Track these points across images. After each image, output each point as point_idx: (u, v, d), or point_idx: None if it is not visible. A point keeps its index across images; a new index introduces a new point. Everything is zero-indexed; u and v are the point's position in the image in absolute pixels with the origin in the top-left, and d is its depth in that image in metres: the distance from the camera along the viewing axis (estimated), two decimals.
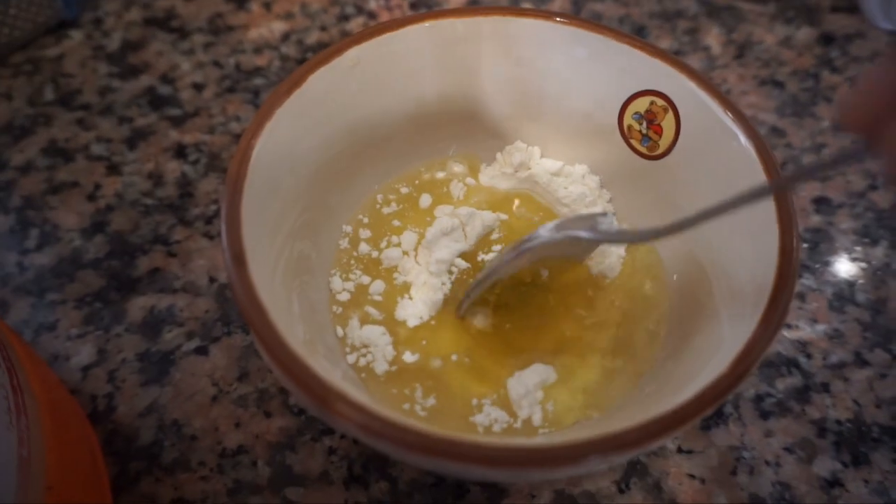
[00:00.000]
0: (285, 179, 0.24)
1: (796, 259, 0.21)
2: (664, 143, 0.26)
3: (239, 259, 0.20)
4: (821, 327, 0.30)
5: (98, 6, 0.42)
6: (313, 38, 0.42)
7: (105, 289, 0.30)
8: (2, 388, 0.18)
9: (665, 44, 0.42)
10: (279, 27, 0.42)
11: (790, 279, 0.20)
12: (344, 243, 0.28)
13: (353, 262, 0.28)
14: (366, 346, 0.25)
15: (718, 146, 0.24)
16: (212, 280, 0.31)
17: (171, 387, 0.28)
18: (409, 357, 0.25)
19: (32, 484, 0.18)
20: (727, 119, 0.24)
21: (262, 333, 0.19)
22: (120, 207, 0.33)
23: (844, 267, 0.32)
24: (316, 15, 0.43)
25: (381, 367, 0.25)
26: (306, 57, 0.40)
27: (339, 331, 0.26)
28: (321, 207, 0.27)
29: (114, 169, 0.35)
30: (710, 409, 0.18)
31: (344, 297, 0.27)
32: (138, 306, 0.30)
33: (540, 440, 0.18)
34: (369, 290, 0.27)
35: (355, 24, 0.43)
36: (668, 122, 0.26)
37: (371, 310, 0.27)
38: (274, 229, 0.23)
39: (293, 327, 0.21)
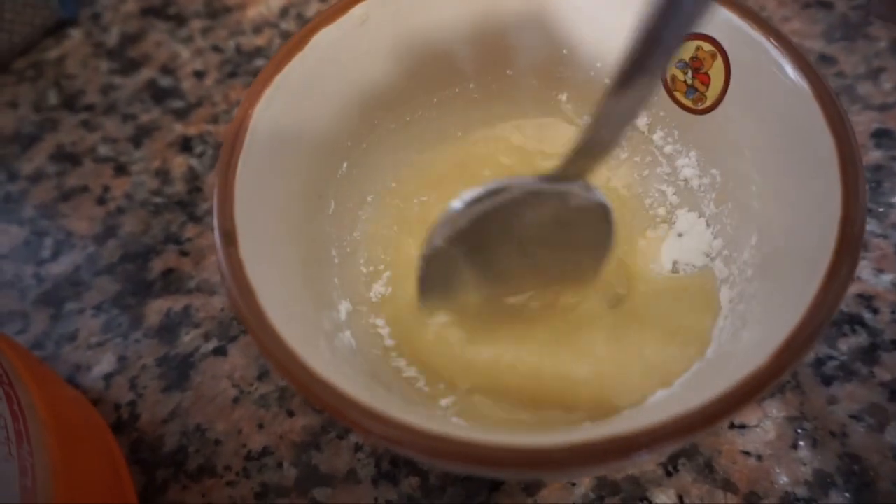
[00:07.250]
0: (288, 153, 0.22)
1: (862, 203, 0.18)
2: (712, 94, 0.23)
3: (229, 237, 0.18)
4: (887, 277, 0.27)
5: (95, 1, 0.41)
6: (313, 9, 0.39)
7: (121, 293, 0.30)
8: (0, 417, 0.18)
9: None
10: (277, 2, 0.40)
11: (856, 228, 0.17)
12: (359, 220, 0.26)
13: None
14: None
15: (770, 89, 0.21)
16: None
17: (192, 391, 0.27)
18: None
19: None
20: (777, 54, 0.20)
21: (255, 330, 0.17)
22: (130, 209, 0.32)
23: None
24: None
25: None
26: None
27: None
28: (329, 183, 0.25)
29: (121, 169, 0.34)
30: (764, 391, 0.16)
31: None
32: (154, 310, 0.29)
33: (581, 434, 0.16)
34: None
35: None
36: (716, 70, 0.23)
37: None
38: (274, 206, 0.21)
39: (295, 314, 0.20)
